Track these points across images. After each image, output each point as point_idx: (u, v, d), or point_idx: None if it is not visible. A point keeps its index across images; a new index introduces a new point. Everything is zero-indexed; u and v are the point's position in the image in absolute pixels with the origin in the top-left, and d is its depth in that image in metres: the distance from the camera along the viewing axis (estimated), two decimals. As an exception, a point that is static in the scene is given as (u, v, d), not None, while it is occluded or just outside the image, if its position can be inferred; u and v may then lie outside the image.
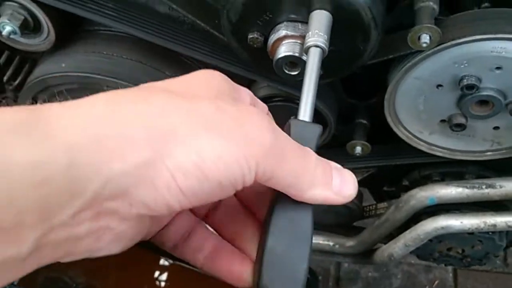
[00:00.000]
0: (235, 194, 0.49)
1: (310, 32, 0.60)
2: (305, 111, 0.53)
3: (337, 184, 0.46)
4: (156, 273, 1.51)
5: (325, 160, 0.47)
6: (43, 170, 0.35)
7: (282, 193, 0.46)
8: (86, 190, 0.36)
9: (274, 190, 0.46)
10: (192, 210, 0.53)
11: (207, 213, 0.53)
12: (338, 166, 0.48)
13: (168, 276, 1.51)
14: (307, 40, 0.59)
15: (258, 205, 0.53)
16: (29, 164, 0.34)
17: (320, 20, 0.63)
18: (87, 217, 0.38)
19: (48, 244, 0.37)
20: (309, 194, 0.45)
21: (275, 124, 0.45)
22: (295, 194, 0.45)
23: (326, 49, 0.59)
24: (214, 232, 0.53)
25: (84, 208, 0.37)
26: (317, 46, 0.59)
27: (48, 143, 0.35)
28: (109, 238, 0.41)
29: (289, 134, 0.47)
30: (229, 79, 0.48)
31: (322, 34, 0.60)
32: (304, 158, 0.45)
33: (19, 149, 0.34)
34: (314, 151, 0.48)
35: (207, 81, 0.46)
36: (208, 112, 0.41)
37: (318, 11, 0.64)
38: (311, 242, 0.46)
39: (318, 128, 0.50)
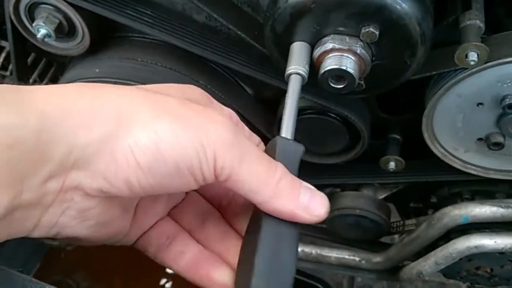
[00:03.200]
0: (219, 209, 0.54)
1: (291, 61, 0.65)
2: (288, 131, 0.56)
3: (305, 201, 0.46)
4: (163, 281, 1.50)
5: (295, 177, 0.48)
6: (15, 132, 0.38)
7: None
8: (54, 155, 0.40)
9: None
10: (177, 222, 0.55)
11: (191, 226, 0.55)
12: (310, 186, 0.49)
13: (173, 283, 1.50)
14: (288, 68, 0.64)
15: (238, 217, 0.54)
16: (2, 127, 0.38)
17: (300, 50, 0.67)
18: (54, 186, 0.41)
19: (18, 208, 0.40)
20: (273, 204, 0.45)
21: (239, 129, 0.48)
22: (259, 202, 0.46)
23: (306, 75, 0.64)
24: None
25: (52, 176, 0.41)
26: (297, 73, 0.64)
27: (22, 109, 0.39)
28: (73, 213, 0.44)
29: (274, 150, 0.50)
30: (210, 96, 0.52)
31: (301, 62, 0.65)
32: (269, 167, 0.46)
33: None
34: (297, 168, 0.50)
35: (183, 90, 0.50)
36: (173, 104, 0.45)
37: (298, 42, 0.68)
38: (296, 258, 0.47)
39: (301, 147, 0.53)
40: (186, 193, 0.56)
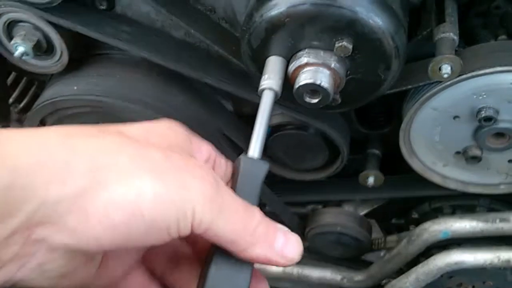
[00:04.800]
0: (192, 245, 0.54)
1: (265, 76, 0.65)
2: (255, 149, 0.55)
3: (279, 245, 0.47)
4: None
5: (271, 220, 0.48)
6: None
7: (220, 248, 0.47)
8: (20, 212, 0.38)
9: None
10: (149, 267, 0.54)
11: (164, 270, 0.54)
12: (285, 228, 0.49)
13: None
14: (262, 83, 0.64)
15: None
16: None
17: (275, 64, 0.67)
18: (17, 241, 0.39)
19: None
20: (249, 252, 0.46)
21: (220, 180, 0.47)
22: (235, 251, 0.46)
23: (279, 91, 0.63)
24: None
25: (16, 232, 0.39)
26: (270, 88, 0.63)
27: None
28: (33, 266, 0.41)
29: (238, 169, 0.50)
30: (189, 133, 0.52)
31: (274, 77, 0.65)
32: (247, 216, 0.47)
33: None
34: (260, 186, 0.50)
35: (164, 132, 0.49)
36: (155, 157, 0.44)
37: (273, 57, 0.68)
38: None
39: (266, 165, 0.52)
40: None
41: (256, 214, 0.48)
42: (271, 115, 0.89)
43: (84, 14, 0.82)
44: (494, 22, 0.82)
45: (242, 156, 0.52)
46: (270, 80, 0.65)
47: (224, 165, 0.54)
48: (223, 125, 0.92)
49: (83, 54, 0.89)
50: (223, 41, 0.80)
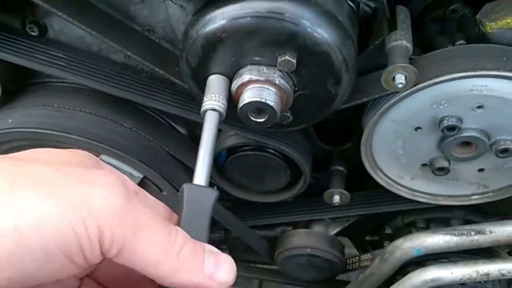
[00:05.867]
0: None
1: (207, 96, 0.60)
2: (201, 175, 0.50)
3: (210, 268, 0.41)
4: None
5: (196, 241, 0.42)
6: None
7: None
8: None
9: None
10: None
11: None
12: (214, 249, 0.43)
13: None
14: (204, 103, 0.59)
15: None
16: None
17: (217, 84, 0.62)
18: None
19: None
20: (174, 278, 0.40)
21: (131, 193, 0.40)
22: (157, 277, 0.40)
23: (224, 112, 0.59)
24: None
25: None
26: (214, 109, 0.58)
27: None
28: None
29: (182, 199, 0.45)
30: (99, 160, 0.44)
31: (218, 96, 0.60)
32: (169, 235, 0.40)
33: None
34: (209, 216, 0.44)
35: (60, 154, 0.42)
36: (42, 172, 0.37)
37: (214, 75, 0.63)
38: None
39: (214, 193, 0.47)
40: (80, 279, 0.46)
41: (179, 233, 0.41)
42: (226, 136, 0.86)
43: (14, 42, 0.76)
44: (451, 27, 0.77)
45: (185, 185, 0.47)
46: (212, 101, 0.60)
47: (152, 201, 0.48)
48: (175, 149, 0.86)
49: (19, 84, 0.83)
50: (165, 63, 0.74)
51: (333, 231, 1.01)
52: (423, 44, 0.77)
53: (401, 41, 0.67)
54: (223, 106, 0.60)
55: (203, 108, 0.60)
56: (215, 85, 0.63)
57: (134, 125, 0.82)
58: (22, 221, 0.34)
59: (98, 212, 0.36)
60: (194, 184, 0.49)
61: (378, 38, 0.70)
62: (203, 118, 0.59)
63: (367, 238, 1.07)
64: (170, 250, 0.40)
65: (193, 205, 0.45)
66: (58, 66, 0.76)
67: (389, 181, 0.84)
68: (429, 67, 0.69)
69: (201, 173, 0.51)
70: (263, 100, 0.61)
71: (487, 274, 0.87)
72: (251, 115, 0.63)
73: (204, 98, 0.61)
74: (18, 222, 0.34)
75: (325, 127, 0.90)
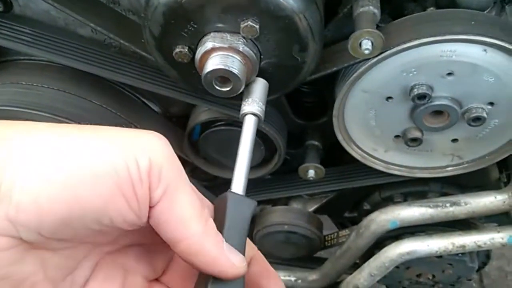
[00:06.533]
0: None
1: (247, 100, 0.59)
2: (240, 184, 0.49)
3: (227, 251, 0.41)
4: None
5: None
6: None
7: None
8: None
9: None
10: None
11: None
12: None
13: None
14: (243, 107, 0.58)
15: None
16: None
17: (258, 87, 0.61)
18: None
19: None
20: (201, 241, 0.40)
21: None
22: (186, 235, 0.39)
23: (262, 116, 0.57)
24: None
25: None
26: (253, 113, 0.57)
27: None
28: None
29: (224, 207, 0.45)
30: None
31: (258, 101, 0.59)
32: (200, 200, 0.42)
33: None
34: (248, 226, 0.45)
35: None
36: (88, 126, 0.40)
37: (256, 78, 0.62)
38: None
39: (253, 203, 0.46)
40: (149, 282, 0.46)
41: (206, 208, 0.42)
42: (199, 112, 0.85)
43: (-22, 18, 0.75)
44: (423, -6, 0.77)
45: (228, 193, 0.47)
46: (251, 105, 0.58)
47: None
48: (148, 127, 0.85)
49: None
50: (131, 35, 0.73)
51: (311, 207, 1.01)
52: (395, 12, 0.76)
53: (368, 7, 0.66)
54: (262, 111, 0.58)
55: (242, 112, 0.58)
56: (254, 89, 0.61)
57: (104, 102, 0.81)
58: (77, 151, 0.36)
59: (151, 149, 0.38)
60: (236, 193, 0.48)
61: (346, 6, 0.70)
62: (242, 122, 0.57)
63: (346, 214, 1.06)
64: (202, 212, 0.40)
65: (234, 215, 0.44)
66: (24, 42, 0.75)
67: (363, 154, 0.84)
68: (397, 34, 0.68)
69: (238, 181, 0.50)
70: (227, 68, 0.60)
71: (463, 246, 0.87)
72: (216, 84, 0.62)
73: (243, 102, 0.59)
74: (74, 152, 0.36)
75: (300, 102, 0.89)
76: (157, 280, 0.46)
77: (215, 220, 0.43)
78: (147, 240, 0.44)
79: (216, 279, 0.41)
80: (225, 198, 0.46)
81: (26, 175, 0.35)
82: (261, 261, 0.46)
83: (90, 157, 0.36)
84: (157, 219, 0.39)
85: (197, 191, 0.43)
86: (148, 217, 0.39)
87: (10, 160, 0.35)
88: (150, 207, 0.39)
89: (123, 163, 0.37)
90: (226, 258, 0.41)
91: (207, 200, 0.45)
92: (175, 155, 0.40)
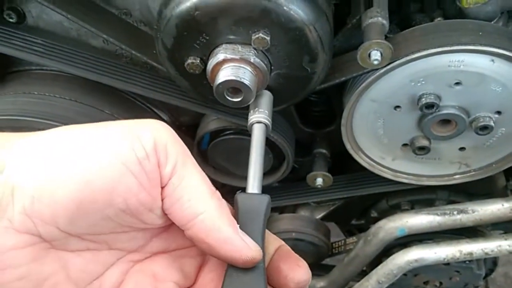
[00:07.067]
0: None
1: (252, 110, 0.60)
2: (253, 185, 0.50)
3: (241, 233, 0.41)
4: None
5: None
6: None
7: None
8: None
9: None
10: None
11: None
12: None
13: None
14: (250, 117, 0.59)
15: None
16: None
17: (263, 98, 0.63)
18: None
19: None
20: (215, 221, 0.39)
21: None
22: (200, 212, 0.39)
23: (269, 124, 0.59)
24: None
25: None
26: (260, 122, 0.58)
27: None
28: None
29: (237, 208, 0.45)
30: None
31: (263, 111, 0.60)
32: (216, 192, 0.41)
33: None
34: (263, 220, 0.45)
35: None
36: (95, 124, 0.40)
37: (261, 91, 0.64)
38: None
39: (266, 197, 0.47)
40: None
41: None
42: (209, 121, 0.86)
43: (-8, 29, 0.76)
44: (430, 5, 0.77)
45: (238, 193, 0.47)
46: (259, 114, 0.60)
47: None
48: (158, 136, 0.86)
49: (1, 73, 0.83)
50: (143, 46, 0.74)
51: (319, 215, 1.01)
52: (403, 23, 0.77)
53: (376, 18, 0.67)
54: (269, 119, 0.60)
55: (250, 122, 0.59)
56: (260, 99, 0.63)
57: (115, 111, 0.82)
58: (88, 138, 0.37)
59: (152, 130, 0.39)
60: (245, 193, 0.49)
61: (355, 16, 0.71)
62: (250, 131, 0.58)
63: (354, 222, 1.07)
64: (214, 190, 0.41)
65: (247, 212, 0.45)
66: (36, 52, 0.76)
67: (371, 162, 0.84)
68: (406, 44, 0.69)
69: (253, 182, 0.51)
70: (238, 79, 0.61)
71: (471, 254, 0.88)
72: (227, 95, 0.63)
73: (250, 112, 0.61)
74: (84, 139, 0.37)
75: (309, 111, 0.90)
76: None
77: (239, 217, 0.43)
78: (175, 246, 0.44)
79: (233, 267, 0.41)
80: (235, 199, 0.46)
81: (36, 169, 0.36)
82: (286, 251, 0.45)
83: (95, 144, 0.37)
84: (171, 197, 0.39)
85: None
86: (162, 200, 0.39)
87: (20, 156, 0.36)
88: (162, 188, 0.39)
89: (127, 143, 0.37)
90: (240, 239, 0.40)
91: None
92: (178, 137, 0.40)
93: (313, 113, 0.90)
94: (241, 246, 0.40)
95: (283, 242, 0.46)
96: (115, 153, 0.37)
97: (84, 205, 0.36)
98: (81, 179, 0.36)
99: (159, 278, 0.43)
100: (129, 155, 0.37)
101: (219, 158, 0.89)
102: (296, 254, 0.44)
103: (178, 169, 0.39)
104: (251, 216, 0.45)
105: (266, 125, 0.58)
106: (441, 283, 0.99)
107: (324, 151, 0.90)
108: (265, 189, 0.97)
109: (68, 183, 0.36)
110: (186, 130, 0.92)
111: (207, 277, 0.44)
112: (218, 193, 0.41)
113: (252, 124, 0.58)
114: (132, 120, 0.40)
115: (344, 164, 0.95)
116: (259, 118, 0.58)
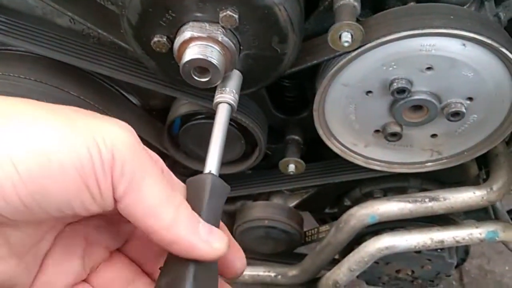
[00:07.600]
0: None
1: (218, 90, 0.59)
2: (210, 166, 0.48)
3: (204, 232, 0.40)
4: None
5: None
6: None
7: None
8: None
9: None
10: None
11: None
12: (207, 223, 0.42)
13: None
14: (216, 97, 0.58)
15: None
16: None
17: (231, 78, 0.62)
18: None
19: None
20: (172, 233, 0.39)
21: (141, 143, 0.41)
22: (156, 229, 0.39)
23: (235, 105, 0.58)
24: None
25: None
26: (224, 102, 0.57)
27: None
28: None
29: (203, 188, 0.44)
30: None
31: (230, 90, 0.59)
32: (171, 187, 0.41)
33: None
34: (221, 208, 0.44)
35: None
36: (63, 108, 0.39)
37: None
38: None
39: (228, 189, 0.46)
40: (110, 252, 0.46)
41: (178, 192, 0.42)
42: (179, 105, 0.84)
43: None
44: (404, -11, 0.77)
45: (209, 175, 0.46)
46: (225, 94, 0.58)
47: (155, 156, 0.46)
48: (127, 120, 0.83)
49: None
50: (110, 25, 0.72)
51: (292, 203, 1.00)
52: (377, 7, 0.76)
53: (348, 0, 0.66)
54: (235, 100, 0.59)
55: (215, 101, 0.58)
56: (229, 80, 0.62)
57: (82, 93, 0.80)
58: (44, 141, 0.35)
59: (113, 141, 0.37)
60: (216, 176, 0.47)
61: (327, -1, 0.70)
62: (215, 110, 0.57)
63: (327, 210, 1.06)
64: (172, 200, 0.39)
65: (214, 196, 0.44)
66: (0, 31, 0.73)
67: (344, 148, 0.83)
68: (377, 27, 0.68)
69: (214, 162, 0.49)
70: (206, 58, 0.59)
71: (442, 241, 0.88)
72: (194, 74, 0.61)
73: (216, 91, 0.59)
74: (41, 143, 0.35)
75: (282, 96, 0.89)
76: (118, 250, 0.45)
77: (189, 200, 0.42)
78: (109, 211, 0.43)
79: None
80: (203, 180, 0.45)
81: None
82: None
83: (57, 146, 0.35)
84: (126, 212, 0.38)
85: (170, 173, 0.42)
86: (116, 208, 0.38)
87: None
88: (117, 201, 0.38)
89: (87, 154, 0.36)
90: (203, 243, 0.40)
91: (179, 182, 0.44)
92: (140, 143, 0.39)
93: (286, 98, 0.89)
94: (206, 250, 0.40)
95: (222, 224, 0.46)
96: (76, 163, 0.36)
97: (33, 208, 0.35)
98: (38, 187, 0.35)
99: (90, 240, 0.42)
100: (88, 169, 0.36)
101: (190, 143, 0.87)
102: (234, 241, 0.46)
103: (134, 185, 0.38)
104: (216, 202, 0.44)
105: (231, 105, 0.57)
106: (413, 272, 0.99)
107: (297, 137, 0.89)
108: (237, 176, 0.97)
109: (23, 187, 0.35)
110: (157, 114, 0.90)
111: (138, 241, 0.44)
112: (178, 196, 0.41)
113: (216, 104, 0.57)
114: (95, 118, 0.39)
115: (318, 152, 0.94)
116: (224, 98, 0.57)
